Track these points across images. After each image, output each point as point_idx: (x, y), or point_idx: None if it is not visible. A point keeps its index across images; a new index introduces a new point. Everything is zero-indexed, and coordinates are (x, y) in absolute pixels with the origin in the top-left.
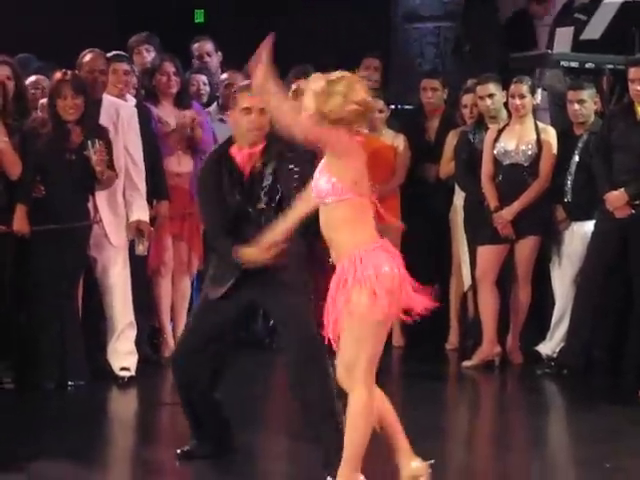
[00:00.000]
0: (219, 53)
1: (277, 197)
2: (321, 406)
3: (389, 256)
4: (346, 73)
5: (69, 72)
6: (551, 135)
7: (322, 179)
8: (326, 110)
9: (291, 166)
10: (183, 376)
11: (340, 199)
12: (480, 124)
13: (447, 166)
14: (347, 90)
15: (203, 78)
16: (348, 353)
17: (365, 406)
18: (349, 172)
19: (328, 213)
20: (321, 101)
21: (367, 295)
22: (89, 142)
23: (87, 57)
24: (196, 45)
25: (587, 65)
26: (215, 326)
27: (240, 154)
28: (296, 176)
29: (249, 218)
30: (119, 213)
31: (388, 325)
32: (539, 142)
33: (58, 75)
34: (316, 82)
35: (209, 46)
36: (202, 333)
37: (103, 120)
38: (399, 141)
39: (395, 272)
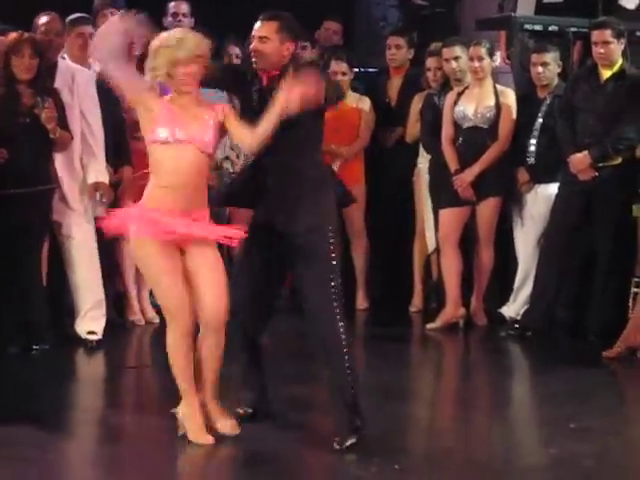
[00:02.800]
0: (192, 19)
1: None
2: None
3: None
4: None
5: (26, 33)
6: (510, 98)
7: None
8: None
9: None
10: None
11: None
12: (446, 86)
13: (413, 129)
14: (161, 52)
15: None
16: None
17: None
18: None
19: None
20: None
21: None
22: (38, 99)
23: (42, 19)
24: (172, 4)
25: (550, 28)
26: None
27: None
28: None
29: None
30: (77, 179)
31: None
32: (498, 105)
33: (15, 35)
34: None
35: (184, 7)
36: None
37: (58, 84)
38: (364, 104)
39: None
